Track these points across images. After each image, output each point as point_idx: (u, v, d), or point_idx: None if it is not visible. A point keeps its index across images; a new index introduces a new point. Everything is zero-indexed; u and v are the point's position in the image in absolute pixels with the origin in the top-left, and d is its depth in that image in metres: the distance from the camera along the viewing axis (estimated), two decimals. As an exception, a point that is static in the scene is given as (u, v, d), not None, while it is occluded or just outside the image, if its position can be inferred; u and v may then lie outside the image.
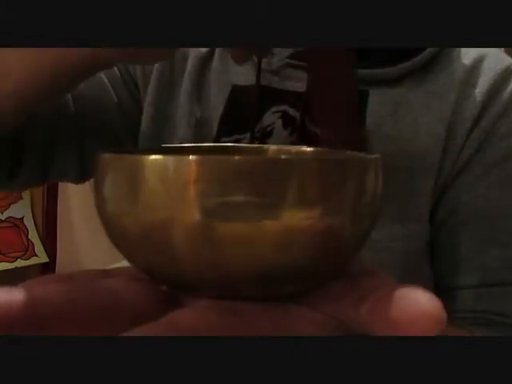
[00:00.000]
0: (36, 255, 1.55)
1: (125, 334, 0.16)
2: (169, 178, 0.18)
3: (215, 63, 0.53)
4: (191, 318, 0.17)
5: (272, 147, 0.29)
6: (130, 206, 0.19)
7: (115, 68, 0.53)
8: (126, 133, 0.54)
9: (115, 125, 0.53)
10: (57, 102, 0.48)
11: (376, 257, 0.46)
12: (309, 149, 0.29)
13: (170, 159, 0.18)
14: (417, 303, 0.16)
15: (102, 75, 0.52)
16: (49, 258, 1.57)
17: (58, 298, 0.18)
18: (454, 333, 0.39)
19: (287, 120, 0.49)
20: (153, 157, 0.18)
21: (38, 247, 1.56)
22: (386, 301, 0.17)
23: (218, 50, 0.53)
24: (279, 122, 0.49)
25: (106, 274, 0.22)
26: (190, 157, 0.18)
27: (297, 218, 0.18)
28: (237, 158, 0.17)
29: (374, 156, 0.20)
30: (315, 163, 0.18)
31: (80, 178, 0.54)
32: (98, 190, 0.21)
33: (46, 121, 0.49)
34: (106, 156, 0.20)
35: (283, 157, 0.18)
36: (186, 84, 0.53)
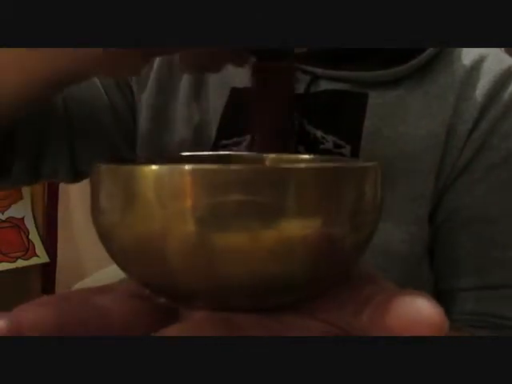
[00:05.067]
0: (36, 255, 1.55)
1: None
2: (162, 187, 0.18)
3: None
4: (186, 333, 0.17)
5: (271, 155, 0.29)
6: (124, 217, 0.19)
7: None
8: (120, 136, 0.54)
9: (107, 127, 0.53)
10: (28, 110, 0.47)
11: (375, 260, 0.46)
12: (308, 156, 0.29)
13: (163, 169, 0.18)
14: (415, 309, 0.16)
15: (96, 78, 0.52)
16: (49, 258, 1.57)
17: (45, 324, 0.18)
18: (454, 335, 0.39)
19: None
20: (146, 167, 0.18)
21: (39, 247, 1.56)
22: (384, 307, 0.17)
23: None
24: None
25: (103, 290, 0.21)
26: (185, 166, 0.17)
27: (294, 229, 0.17)
28: (231, 167, 0.17)
29: (373, 163, 0.20)
30: (313, 172, 0.18)
31: (72, 179, 0.54)
32: (93, 201, 0.20)
33: (36, 122, 0.49)
34: (100, 167, 0.20)
35: (279, 166, 0.18)
36: (184, 86, 0.52)
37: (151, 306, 0.20)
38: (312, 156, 0.28)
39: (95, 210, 0.20)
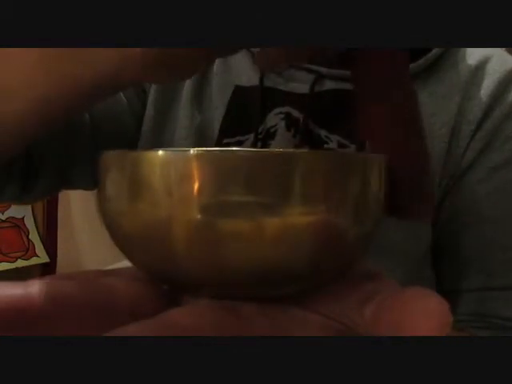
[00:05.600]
0: (36, 255, 1.55)
1: (118, 332, 0.15)
2: (168, 173, 0.18)
3: (217, 64, 0.52)
4: (187, 317, 0.17)
5: (276, 150, 0.29)
6: (130, 203, 0.19)
7: None
8: (133, 131, 0.54)
9: (128, 131, 0.53)
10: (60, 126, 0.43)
11: (378, 260, 0.46)
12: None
13: (169, 154, 0.18)
14: (423, 305, 0.16)
15: None
16: (49, 258, 1.57)
17: (56, 294, 0.18)
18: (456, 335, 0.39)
19: (290, 121, 0.49)
20: (152, 152, 0.18)
21: (39, 247, 1.56)
22: (390, 303, 0.17)
23: None
24: (282, 124, 0.49)
25: (105, 273, 0.22)
26: (190, 151, 0.17)
27: (297, 215, 0.18)
28: (237, 152, 0.17)
29: (379, 156, 0.20)
30: (317, 158, 0.18)
31: (93, 186, 0.54)
32: (99, 189, 0.21)
33: (62, 135, 0.48)
34: (106, 154, 0.20)
35: (285, 151, 0.18)
36: (188, 85, 0.52)
37: (155, 290, 0.20)
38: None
39: (101, 197, 0.20)
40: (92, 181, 0.53)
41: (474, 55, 0.50)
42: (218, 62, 0.53)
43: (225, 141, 0.50)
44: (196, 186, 0.17)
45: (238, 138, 0.50)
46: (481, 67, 0.49)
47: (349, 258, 0.20)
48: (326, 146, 0.48)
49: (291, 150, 0.29)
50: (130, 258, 0.21)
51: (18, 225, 1.54)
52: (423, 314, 0.16)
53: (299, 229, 0.18)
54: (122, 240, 0.20)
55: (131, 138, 0.53)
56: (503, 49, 0.53)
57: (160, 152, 0.18)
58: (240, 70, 0.51)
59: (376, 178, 0.20)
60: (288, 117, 0.49)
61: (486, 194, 0.48)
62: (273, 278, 0.19)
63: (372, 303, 0.18)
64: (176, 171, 0.18)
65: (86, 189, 0.54)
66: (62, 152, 0.49)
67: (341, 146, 0.48)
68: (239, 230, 0.17)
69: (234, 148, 0.28)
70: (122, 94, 0.52)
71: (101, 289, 0.19)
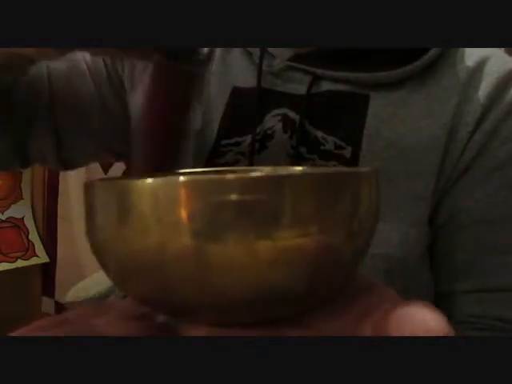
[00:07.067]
0: (36, 255, 1.55)
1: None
2: (157, 200, 0.17)
3: (215, 65, 0.52)
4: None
5: (266, 168, 0.29)
6: (120, 232, 0.18)
7: (102, 64, 0.54)
8: (110, 132, 0.54)
9: (94, 119, 0.54)
10: None
11: (374, 262, 0.46)
12: (302, 168, 0.29)
13: (157, 181, 0.18)
14: (424, 324, 0.16)
15: (86, 68, 0.53)
16: (49, 258, 1.57)
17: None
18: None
19: (287, 123, 0.49)
20: (141, 180, 0.18)
21: (39, 247, 1.56)
22: (390, 319, 0.17)
23: (218, 52, 0.53)
24: (279, 125, 0.49)
25: (96, 312, 0.21)
26: (179, 178, 0.17)
27: (290, 237, 0.17)
28: (226, 177, 0.17)
29: (369, 169, 0.20)
30: (307, 179, 0.18)
31: (60, 166, 0.55)
32: (88, 218, 0.20)
33: (20, 107, 0.50)
34: (94, 182, 0.20)
35: (273, 174, 0.18)
36: None
37: (149, 327, 0.20)
38: (305, 168, 0.29)
39: (91, 226, 0.20)
40: (58, 162, 0.54)
41: (472, 56, 0.49)
42: (216, 62, 0.52)
43: (223, 142, 0.50)
44: (186, 211, 0.17)
45: (235, 140, 0.50)
46: (479, 69, 0.49)
47: (344, 275, 0.20)
48: (322, 147, 0.48)
49: (281, 171, 0.29)
50: (122, 288, 0.21)
51: (17, 225, 1.55)
52: (423, 330, 0.16)
53: (292, 251, 0.17)
54: (114, 269, 0.20)
55: (96, 129, 0.54)
56: (502, 49, 0.53)
57: (149, 180, 0.18)
58: (238, 71, 0.51)
59: (367, 192, 0.20)
60: (285, 118, 0.49)
61: (484, 196, 0.48)
62: (268, 301, 0.18)
63: (371, 318, 0.18)
64: (165, 198, 0.17)
65: (54, 169, 0.57)
66: (18, 124, 0.50)
67: (337, 147, 0.47)
68: (231, 255, 0.17)
69: (223, 169, 0.28)
70: (92, 85, 0.53)
71: (91, 333, 0.19)
